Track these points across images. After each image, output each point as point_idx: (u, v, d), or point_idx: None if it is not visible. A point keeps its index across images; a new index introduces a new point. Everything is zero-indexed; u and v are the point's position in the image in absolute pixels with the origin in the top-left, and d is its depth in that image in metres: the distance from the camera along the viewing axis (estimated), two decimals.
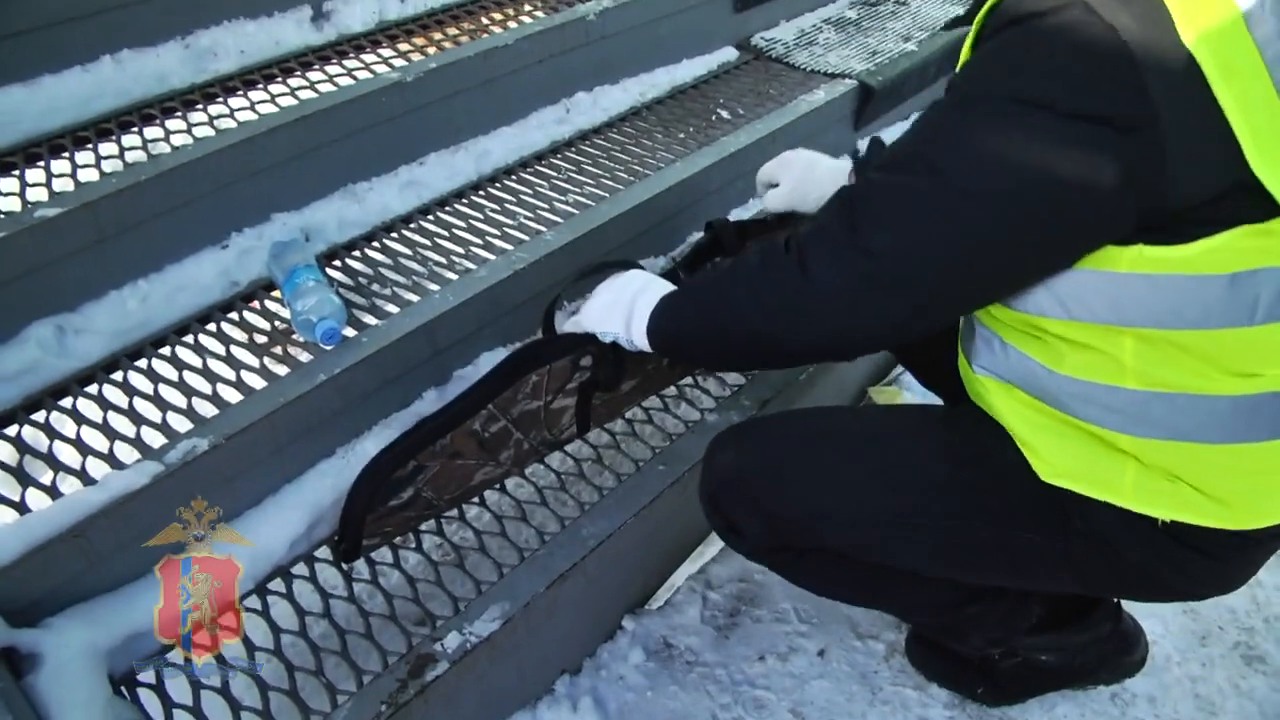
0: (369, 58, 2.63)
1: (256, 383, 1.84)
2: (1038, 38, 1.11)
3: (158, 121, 2.32)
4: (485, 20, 2.84)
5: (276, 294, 2.03)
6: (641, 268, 1.64)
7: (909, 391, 2.41)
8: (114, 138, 2.25)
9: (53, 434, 1.74)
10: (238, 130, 2.20)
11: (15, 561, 1.47)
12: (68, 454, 1.72)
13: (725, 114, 2.78)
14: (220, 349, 1.93)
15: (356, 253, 2.20)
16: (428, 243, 2.23)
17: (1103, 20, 1.07)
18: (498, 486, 1.89)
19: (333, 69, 2.56)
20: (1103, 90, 1.08)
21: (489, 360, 2.04)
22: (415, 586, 1.73)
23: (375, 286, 2.09)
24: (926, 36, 3.21)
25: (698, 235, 2.21)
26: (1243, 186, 1.10)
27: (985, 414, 1.42)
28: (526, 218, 2.31)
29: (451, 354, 2.00)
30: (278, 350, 1.93)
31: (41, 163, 2.15)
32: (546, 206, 2.35)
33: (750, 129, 2.63)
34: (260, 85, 2.48)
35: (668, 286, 1.51)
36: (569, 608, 1.75)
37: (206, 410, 1.79)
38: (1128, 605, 1.80)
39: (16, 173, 2.12)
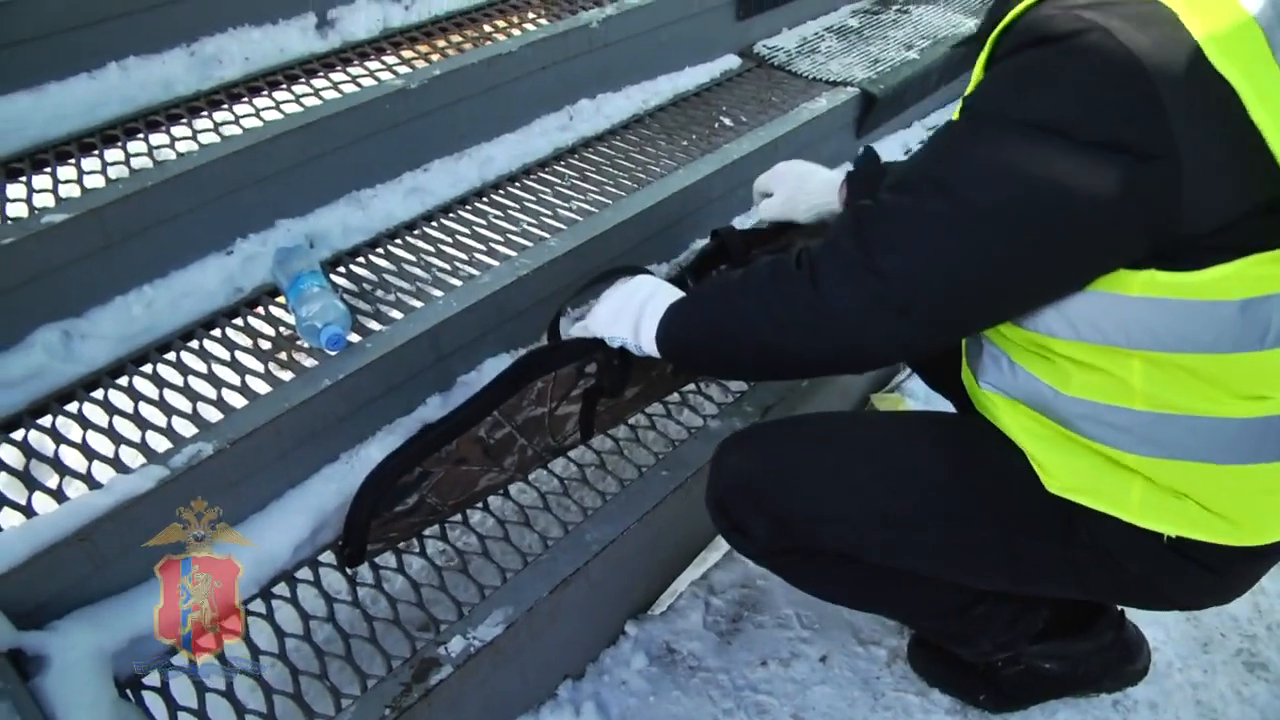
0: (373, 65, 2.63)
1: (261, 388, 1.85)
2: (1057, 62, 1.10)
3: (163, 128, 2.32)
4: (488, 27, 2.85)
5: (281, 300, 2.04)
6: (650, 273, 1.65)
7: (911, 399, 2.42)
8: (120, 144, 2.26)
9: (59, 438, 1.75)
10: (243, 137, 2.21)
11: (22, 564, 1.48)
12: (73, 458, 1.72)
13: (728, 121, 2.79)
14: (225, 354, 1.93)
15: (361, 259, 2.21)
16: (431, 249, 2.24)
17: (1123, 46, 1.06)
18: (501, 492, 1.90)
19: (337, 76, 2.57)
20: (1122, 118, 1.08)
21: (493, 366, 2.05)
22: (419, 591, 1.74)
23: (379, 292, 2.09)
24: (928, 45, 3.21)
25: (701, 242, 2.23)
26: (1262, 209, 1.10)
27: (992, 425, 1.42)
28: (530, 224, 2.31)
29: (455, 360, 2.01)
30: (282, 356, 1.93)
31: (48, 169, 2.16)
32: (550, 213, 2.36)
33: (753, 136, 2.63)
34: (265, 92, 2.48)
35: (677, 293, 1.52)
36: (572, 612, 1.76)
37: (211, 415, 1.80)
38: (1130, 614, 1.80)
39: (24, 179, 2.13)
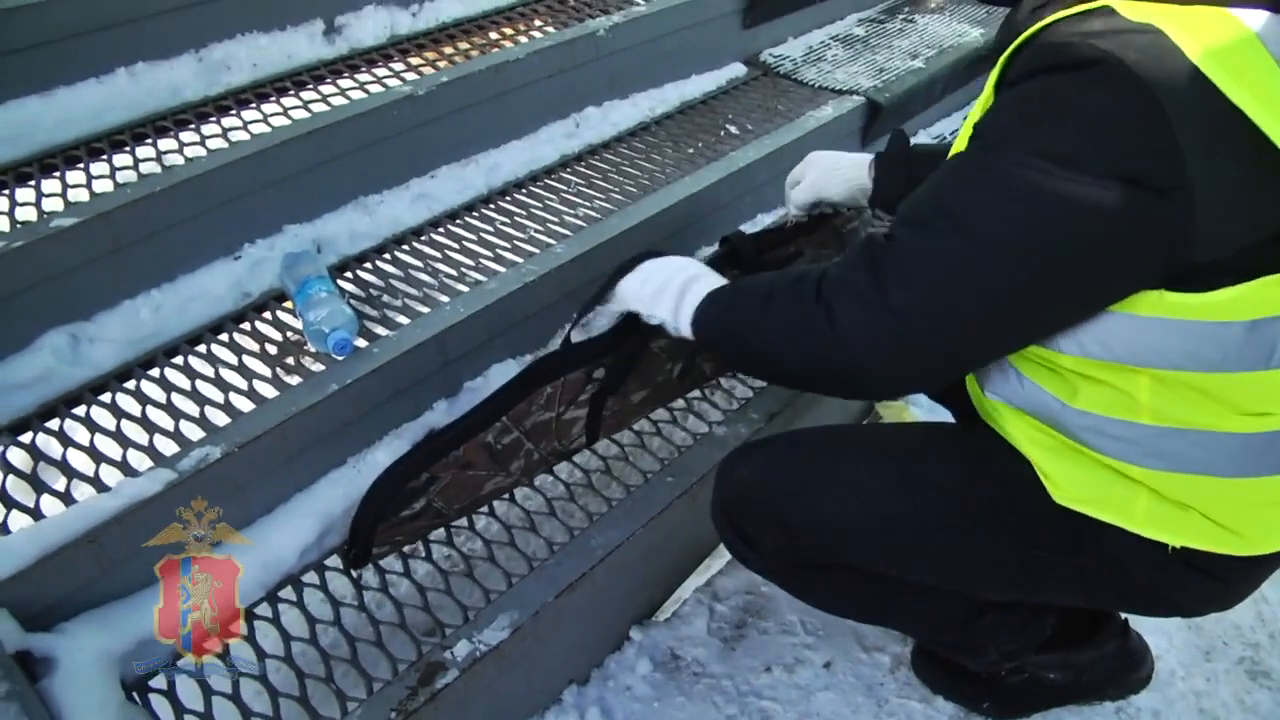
0: (380, 71, 2.64)
1: (268, 392, 1.85)
2: (1071, 93, 1.11)
3: (171, 133, 2.33)
4: (496, 35, 2.86)
5: (288, 305, 2.04)
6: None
7: (916, 408, 2.42)
8: (128, 149, 2.26)
9: (67, 441, 1.75)
10: (250, 142, 2.22)
11: (30, 567, 1.49)
12: (81, 461, 1.72)
13: (734, 129, 2.80)
14: (232, 358, 1.94)
15: (368, 264, 2.21)
16: (438, 255, 2.24)
17: (1137, 78, 1.06)
18: (506, 497, 1.90)
19: (344, 82, 2.57)
20: (1135, 151, 1.08)
21: (499, 371, 2.05)
22: (425, 595, 1.74)
23: (386, 298, 2.10)
24: (934, 54, 3.22)
25: (709, 249, 2.23)
26: (1275, 237, 1.11)
27: (998, 435, 1.43)
28: (536, 231, 2.32)
29: (462, 365, 2.02)
30: (290, 360, 1.94)
31: (57, 173, 2.16)
32: (556, 220, 2.36)
33: (758, 144, 2.64)
34: (273, 98, 2.49)
35: (717, 279, 1.52)
36: (577, 618, 1.76)
37: (219, 419, 1.80)
38: (1133, 621, 1.80)
39: (32, 183, 2.13)
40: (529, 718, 1.80)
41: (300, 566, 1.77)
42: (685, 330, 1.51)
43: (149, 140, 2.30)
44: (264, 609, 1.70)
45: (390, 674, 1.59)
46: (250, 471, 1.73)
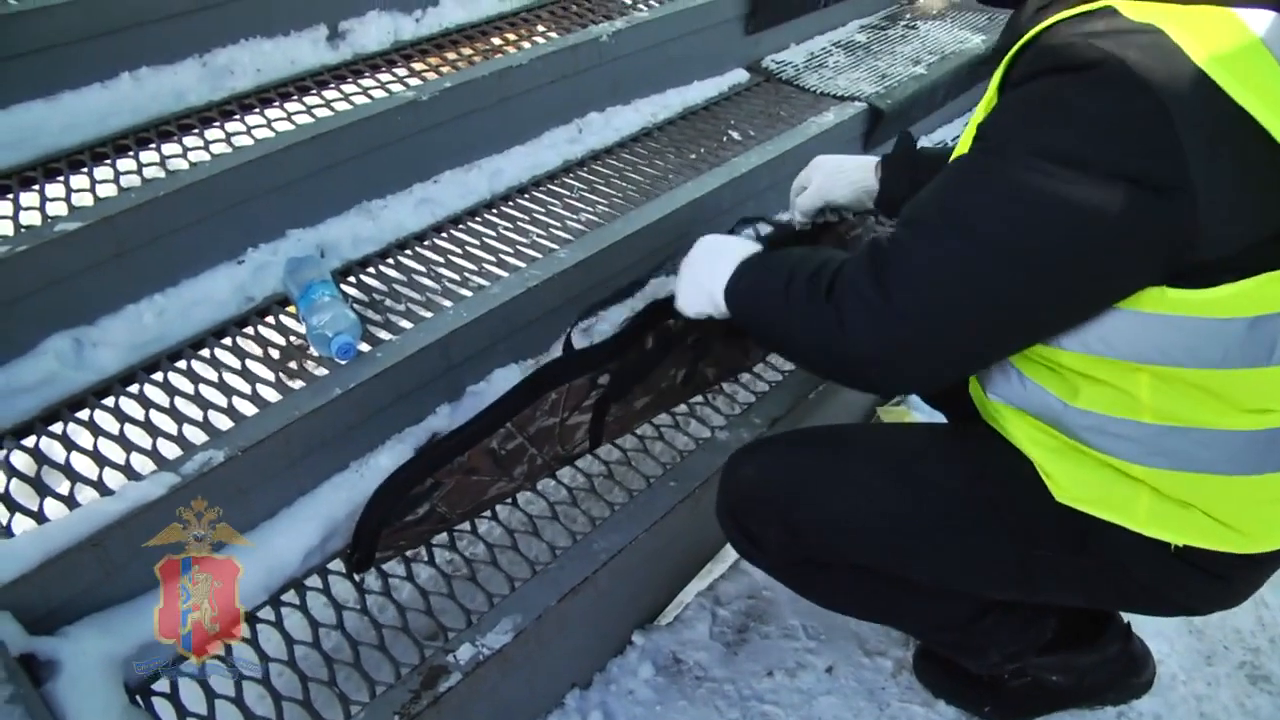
0: (384, 77, 2.65)
1: (272, 396, 1.86)
2: (1073, 94, 1.11)
3: (175, 138, 2.34)
4: (499, 40, 2.86)
5: (291, 309, 2.05)
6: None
7: (917, 411, 2.43)
8: (132, 154, 2.27)
9: (70, 445, 1.76)
10: (254, 148, 2.22)
11: (34, 570, 1.49)
12: (85, 465, 1.73)
13: (736, 135, 2.80)
14: (236, 363, 1.94)
15: (371, 269, 2.22)
16: (441, 260, 2.25)
17: (1140, 79, 1.07)
18: (509, 501, 1.90)
19: (348, 88, 2.58)
20: (1137, 151, 1.09)
21: (502, 375, 2.05)
22: (428, 599, 1.74)
23: (389, 302, 2.10)
24: (936, 60, 3.23)
25: None
26: (1276, 236, 1.11)
27: (1000, 436, 1.43)
28: (539, 235, 2.32)
29: (465, 369, 2.02)
30: (293, 364, 1.94)
31: (61, 178, 2.17)
32: (559, 224, 2.37)
33: (761, 150, 2.65)
34: (276, 103, 2.50)
35: (746, 249, 1.55)
36: (580, 621, 1.76)
37: (222, 423, 1.80)
38: (1136, 627, 1.80)
39: (37, 187, 2.14)
40: None
41: (303, 570, 1.77)
42: (720, 299, 1.52)
43: (153, 145, 2.30)
44: (267, 612, 1.71)
45: (393, 677, 1.59)
46: (253, 475, 1.73)
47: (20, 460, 1.73)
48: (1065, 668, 1.75)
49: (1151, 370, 1.22)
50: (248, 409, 1.83)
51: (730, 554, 2.10)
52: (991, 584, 1.52)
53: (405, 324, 2.03)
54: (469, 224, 2.38)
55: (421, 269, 2.21)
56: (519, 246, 2.28)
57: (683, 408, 2.12)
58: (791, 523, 1.50)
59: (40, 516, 1.64)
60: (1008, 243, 1.15)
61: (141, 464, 1.73)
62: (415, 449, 1.90)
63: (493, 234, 2.33)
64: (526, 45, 2.83)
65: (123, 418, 1.82)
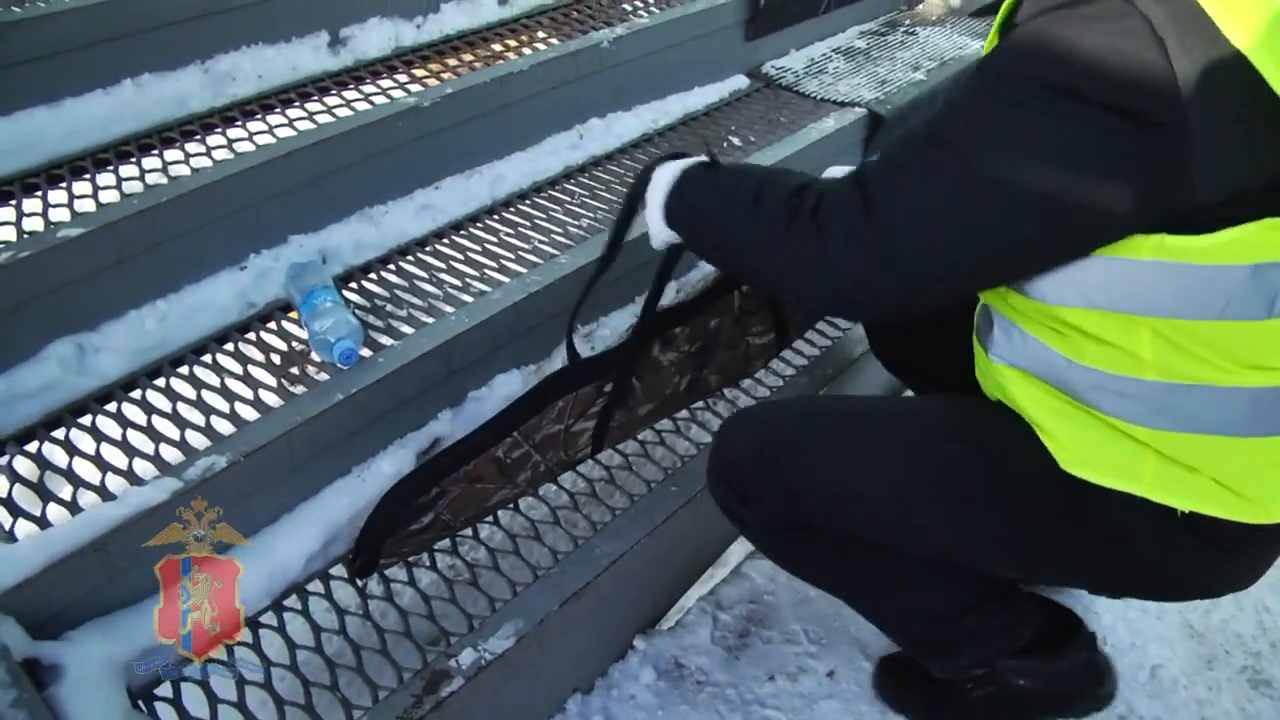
0: (385, 83, 2.66)
1: (274, 401, 1.86)
2: (1074, 27, 1.11)
3: (178, 144, 2.35)
4: (499, 46, 2.87)
5: (293, 315, 2.05)
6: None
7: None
8: (135, 160, 2.28)
9: (73, 450, 1.76)
10: (256, 154, 2.23)
11: (37, 574, 1.50)
12: (87, 470, 1.73)
13: (737, 140, 2.81)
14: (238, 368, 1.95)
15: (372, 275, 2.22)
16: (443, 265, 2.25)
17: (1139, 15, 1.08)
18: (511, 506, 1.91)
19: (349, 94, 2.59)
20: (1132, 83, 1.08)
21: (503, 381, 2.06)
22: (430, 604, 1.75)
23: (391, 308, 2.11)
24: (935, 66, 3.24)
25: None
26: (1275, 184, 1.11)
27: (1003, 405, 1.42)
28: (540, 241, 2.33)
29: (466, 375, 2.02)
30: (295, 370, 1.95)
31: (64, 184, 2.18)
32: (560, 230, 2.37)
33: (761, 156, 2.64)
34: (278, 109, 2.51)
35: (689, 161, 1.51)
36: (581, 626, 1.77)
37: (224, 428, 1.81)
38: (1135, 629, 1.80)
39: (39, 193, 2.15)
40: None
41: (305, 575, 1.77)
42: (657, 211, 1.49)
43: (155, 151, 2.31)
44: (269, 617, 1.71)
45: (395, 682, 1.60)
46: (255, 480, 1.74)
47: (23, 465, 1.73)
48: (1034, 672, 1.70)
49: (1153, 324, 1.21)
50: (250, 414, 1.84)
51: (732, 558, 2.11)
52: (990, 557, 1.48)
53: (407, 329, 2.03)
54: (470, 230, 2.38)
55: (423, 274, 2.22)
56: (520, 252, 2.29)
57: (684, 412, 2.13)
58: (787, 484, 1.47)
59: (43, 521, 1.64)
60: (999, 167, 1.15)
61: (144, 469, 1.73)
62: (417, 454, 1.91)
63: (494, 239, 2.34)
64: (527, 51, 2.84)
65: (125, 423, 1.82)
